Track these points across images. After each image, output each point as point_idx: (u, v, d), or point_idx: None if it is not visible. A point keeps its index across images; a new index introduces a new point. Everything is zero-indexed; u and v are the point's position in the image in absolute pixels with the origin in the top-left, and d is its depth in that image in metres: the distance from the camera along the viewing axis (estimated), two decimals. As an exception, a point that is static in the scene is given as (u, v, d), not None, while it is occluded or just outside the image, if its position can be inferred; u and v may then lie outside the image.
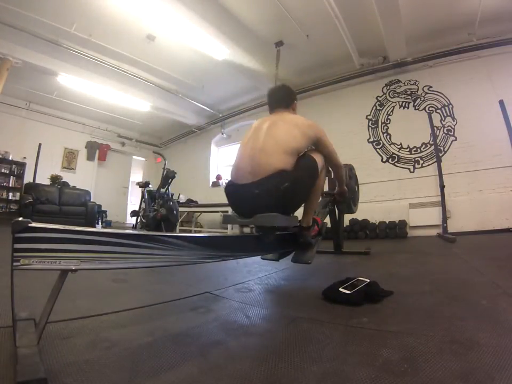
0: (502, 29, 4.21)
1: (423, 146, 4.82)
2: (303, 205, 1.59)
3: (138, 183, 5.52)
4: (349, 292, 1.21)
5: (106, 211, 7.51)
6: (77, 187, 6.78)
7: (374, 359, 0.71)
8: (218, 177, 7.45)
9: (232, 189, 1.45)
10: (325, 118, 5.63)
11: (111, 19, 4.29)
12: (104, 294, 1.36)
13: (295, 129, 1.44)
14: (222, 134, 7.73)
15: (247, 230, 1.37)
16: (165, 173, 4.77)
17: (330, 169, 1.78)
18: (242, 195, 1.39)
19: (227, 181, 1.53)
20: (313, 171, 1.46)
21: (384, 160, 5.15)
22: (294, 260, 1.65)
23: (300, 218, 1.62)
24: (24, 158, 6.59)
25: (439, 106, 4.76)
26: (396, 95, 5.22)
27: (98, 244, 0.73)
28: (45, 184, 6.28)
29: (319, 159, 1.49)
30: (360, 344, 0.81)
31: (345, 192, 2.12)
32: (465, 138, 4.48)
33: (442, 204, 4.18)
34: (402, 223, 4.52)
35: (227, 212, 1.62)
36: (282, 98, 1.64)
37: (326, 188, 2.94)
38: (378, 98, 5.38)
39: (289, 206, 1.40)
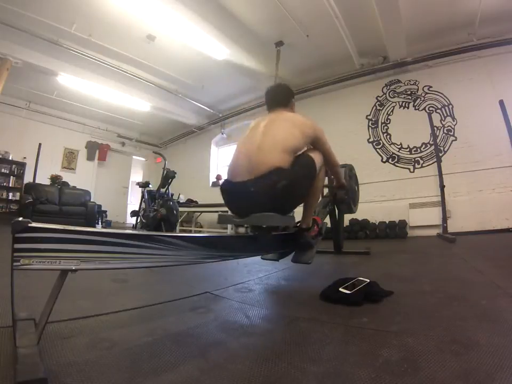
0: (502, 29, 4.21)
1: (423, 146, 4.82)
2: (301, 205, 1.57)
3: (138, 183, 5.53)
4: (349, 292, 1.21)
5: (106, 211, 7.51)
6: (77, 187, 6.78)
7: (374, 359, 0.71)
8: (218, 177, 7.45)
9: (228, 187, 1.42)
10: (325, 118, 5.63)
11: (111, 19, 4.29)
12: (104, 294, 1.36)
13: (293, 127, 1.42)
14: (222, 134, 7.73)
15: (242, 230, 1.30)
16: (165, 173, 4.78)
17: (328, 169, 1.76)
18: (238, 193, 1.34)
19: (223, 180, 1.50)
20: (311, 170, 1.43)
21: (384, 160, 5.15)
22: (294, 260, 1.64)
23: (299, 218, 1.62)
24: (24, 158, 6.59)
25: (439, 106, 4.76)
26: (396, 95, 5.22)
27: (98, 244, 0.73)
28: (45, 184, 6.28)
29: (317, 158, 1.48)
30: (360, 344, 0.81)
31: (345, 185, 2.14)
32: (465, 138, 4.48)
33: (442, 203, 4.18)
34: (402, 223, 4.52)
35: (227, 212, 1.59)
36: (280, 97, 1.63)
37: (325, 190, 2.95)
38: (378, 98, 5.38)
39: (286, 205, 1.37)
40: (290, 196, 1.33)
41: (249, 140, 1.43)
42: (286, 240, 1.58)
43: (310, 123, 1.51)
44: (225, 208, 1.52)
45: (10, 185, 6.36)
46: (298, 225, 1.62)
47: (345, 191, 2.24)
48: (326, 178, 2.83)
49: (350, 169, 2.68)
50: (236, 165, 1.41)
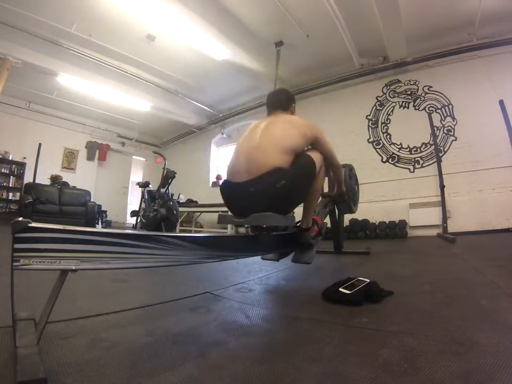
0: (502, 29, 4.21)
1: (423, 146, 4.82)
2: (301, 205, 1.57)
3: (138, 183, 5.51)
4: (349, 292, 1.21)
5: (106, 211, 7.51)
6: (77, 187, 6.77)
7: (374, 359, 0.71)
8: (218, 177, 7.45)
9: (227, 187, 1.44)
10: (325, 118, 5.64)
11: (111, 19, 4.29)
12: (104, 294, 1.36)
13: (292, 128, 1.43)
14: (222, 134, 7.72)
15: (242, 230, 1.28)
16: (165, 173, 4.77)
17: (330, 170, 1.78)
18: (238, 193, 1.37)
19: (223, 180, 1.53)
20: (311, 170, 1.44)
21: (384, 160, 5.15)
22: (294, 260, 1.64)
23: (299, 218, 1.62)
24: (24, 158, 6.59)
25: (439, 106, 4.76)
26: (396, 95, 5.22)
27: (98, 244, 0.73)
28: (45, 184, 6.27)
29: (317, 158, 1.48)
30: (360, 344, 0.81)
31: (344, 194, 2.14)
32: (465, 138, 4.48)
33: (442, 203, 4.18)
34: (402, 223, 4.52)
35: (227, 212, 1.62)
36: (280, 101, 1.66)
37: (325, 189, 2.95)
38: (378, 98, 5.38)
39: (286, 205, 1.38)
40: (290, 196, 1.34)
41: (249, 140, 1.44)
42: (286, 240, 1.58)
43: (310, 123, 1.52)
44: (225, 208, 1.52)
45: (10, 185, 6.36)
46: (298, 225, 1.61)
47: (344, 201, 2.28)
48: (327, 179, 2.83)
49: (350, 169, 2.68)
50: (235, 165, 1.42)
